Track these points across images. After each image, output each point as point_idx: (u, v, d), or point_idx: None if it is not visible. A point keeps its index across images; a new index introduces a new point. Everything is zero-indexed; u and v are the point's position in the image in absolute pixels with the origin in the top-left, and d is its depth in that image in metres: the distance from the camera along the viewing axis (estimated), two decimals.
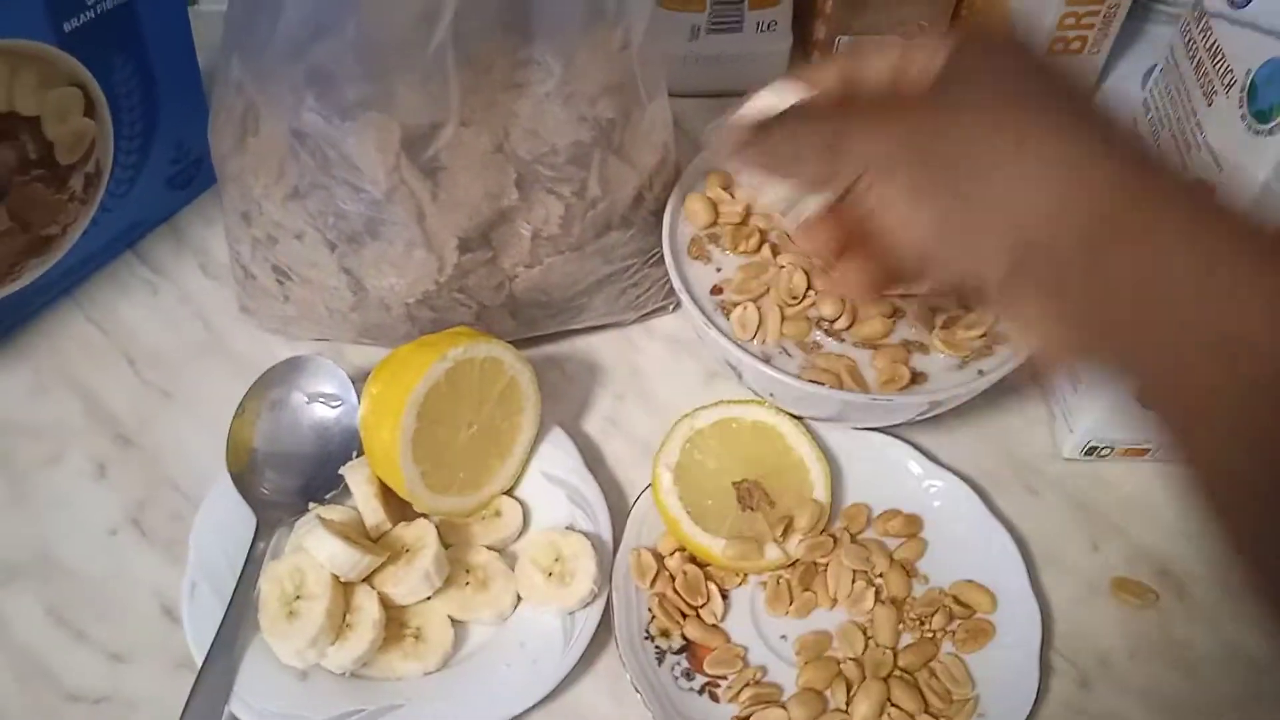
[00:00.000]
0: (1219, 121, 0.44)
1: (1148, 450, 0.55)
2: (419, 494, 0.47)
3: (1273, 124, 0.40)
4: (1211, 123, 0.44)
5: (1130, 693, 0.49)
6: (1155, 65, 0.53)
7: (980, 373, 0.50)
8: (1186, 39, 0.47)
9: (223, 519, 0.49)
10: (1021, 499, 0.54)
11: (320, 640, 0.45)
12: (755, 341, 0.51)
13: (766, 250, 0.53)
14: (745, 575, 0.50)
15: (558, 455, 0.52)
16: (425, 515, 0.49)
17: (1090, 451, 0.55)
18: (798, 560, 0.50)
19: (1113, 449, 0.55)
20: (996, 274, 0.34)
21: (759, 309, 0.51)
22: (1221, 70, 0.44)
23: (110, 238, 0.58)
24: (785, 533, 0.50)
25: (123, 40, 0.53)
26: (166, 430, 0.55)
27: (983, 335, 0.51)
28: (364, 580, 0.47)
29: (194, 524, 0.49)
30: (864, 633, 0.49)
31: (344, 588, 0.46)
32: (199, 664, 0.45)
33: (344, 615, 0.46)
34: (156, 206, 0.61)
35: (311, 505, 0.49)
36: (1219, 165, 0.43)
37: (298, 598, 0.45)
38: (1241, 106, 0.42)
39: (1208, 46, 0.45)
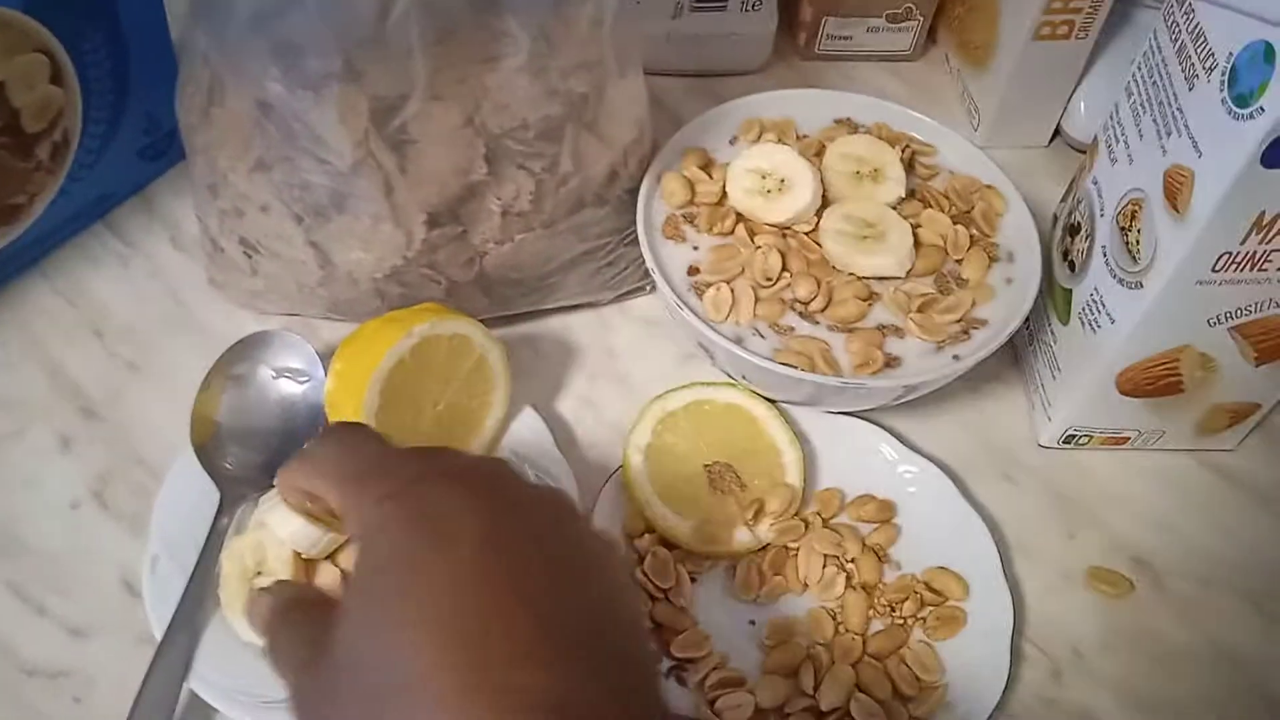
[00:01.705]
0: (1200, 106, 0.43)
1: (1127, 439, 0.54)
2: None
3: (1252, 108, 0.40)
4: (1192, 107, 0.44)
5: (1102, 683, 0.49)
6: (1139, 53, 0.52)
7: (956, 358, 0.49)
8: (1169, 22, 0.46)
9: (186, 493, 0.48)
10: (997, 486, 0.54)
11: None
12: (728, 323, 0.50)
13: (742, 230, 0.52)
14: (715, 559, 0.49)
15: (528, 435, 0.51)
16: None
17: (1069, 440, 0.55)
18: (768, 544, 0.49)
19: (1091, 438, 0.54)
20: None
21: (732, 290, 0.50)
22: (1203, 54, 0.43)
23: (79, 208, 0.58)
24: (756, 516, 0.49)
25: (93, 8, 0.52)
26: (133, 404, 0.54)
27: (959, 320, 0.50)
28: (327, 557, 0.46)
29: (157, 498, 0.48)
30: (834, 618, 0.48)
31: (306, 565, 0.45)
32: (159, 639, 0.44)
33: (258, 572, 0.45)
34: (127, 178, 0.60)
35: (275, 480, 0.49)
36: (1199, 150, 0.43)
37: (259, 574, 0.44)
38: (1222, 90, 0.41)
39: (1190, 29, 0.44)
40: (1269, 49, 0.39)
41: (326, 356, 0.51)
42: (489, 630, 0.28)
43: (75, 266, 0.58)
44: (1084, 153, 0.54)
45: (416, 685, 0.28)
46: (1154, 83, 0.47)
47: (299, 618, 0.34)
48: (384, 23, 0.41)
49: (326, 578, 0.45)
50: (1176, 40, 0.45)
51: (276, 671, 0.33)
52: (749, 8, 0.66)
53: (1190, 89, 0.44)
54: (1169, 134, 0.45)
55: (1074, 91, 0.66)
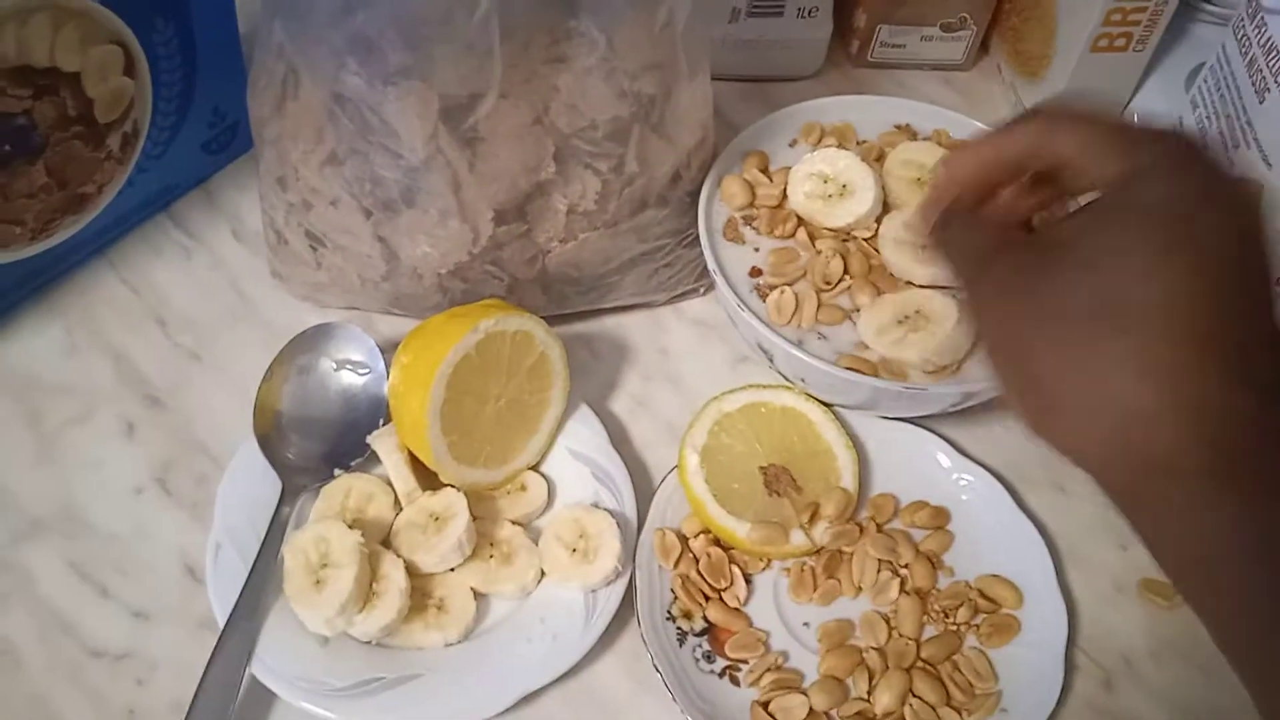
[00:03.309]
0: (1270, 118, 0.43)
1: None
2: (446, 464, 0.47)
3: None
4: (1262, 120, 0.44)
5: (1154, 694, 0.49)
6: (1201, 64, 0.52)
7: None
8: (1239, 35, 0.46)
9: (248, 482, 0.49)
10: (1050, 496, 0.54)
11: (349, 608, 0.45)
12: (789, 326, 0.50)
13: (803, 234, 0.53)
14: (769, 560, 0.50)
15: (584, 433, 0.52)
16: (453, 485, 0.49)
17: None
18: (823, 547, 0.50)
19: None
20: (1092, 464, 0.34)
21: (795, 294, 0.50)
22: (1275, 67, 0.43)
23: (144, 199, 0.58)
24: (811, 519, 0.49)
25: (165, 1, 0.52)
26: (195, 393, 0.55)
27: None
28: (390, 549, 0.47)
29: (220, 486, 0.49)
30: (887, 623, 0.48)
31: (370, 556, 0.46)
32: (221, 625, 0.45)
33: (370, 583, 0.46)
34: (191, 170, 0.61)
35: (337, 471, 0.49)
36: (1269, 163, 0.43)
37: (324, 566, 0.45)
38: None
39: (1261, 43, 0.44)
40: None
41: (385, 350, 0.52)
42: (1246, 309, 0.31)
43: (140, 256, 0.59)
44: None
45: (1164, 313, 0.30)
46: (1222, 95, 0.47)
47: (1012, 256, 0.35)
48: (466, 21, 0.42)
49: (391, 569, 0.46)
50: (1247, 53, 0.45)
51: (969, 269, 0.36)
52: (805, 14, 0.67)
53: (1261, 101, 0.44)
54: (1237, 146, 0.45)
55: (1129, 103, 0.66)
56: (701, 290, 0.59)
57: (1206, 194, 0.32)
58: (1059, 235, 0.34)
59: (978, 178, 0.39)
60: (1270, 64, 0.43)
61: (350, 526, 0.47)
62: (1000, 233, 0.37)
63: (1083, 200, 0.36)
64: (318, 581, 0.45)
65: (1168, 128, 0.35)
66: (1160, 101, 0.65)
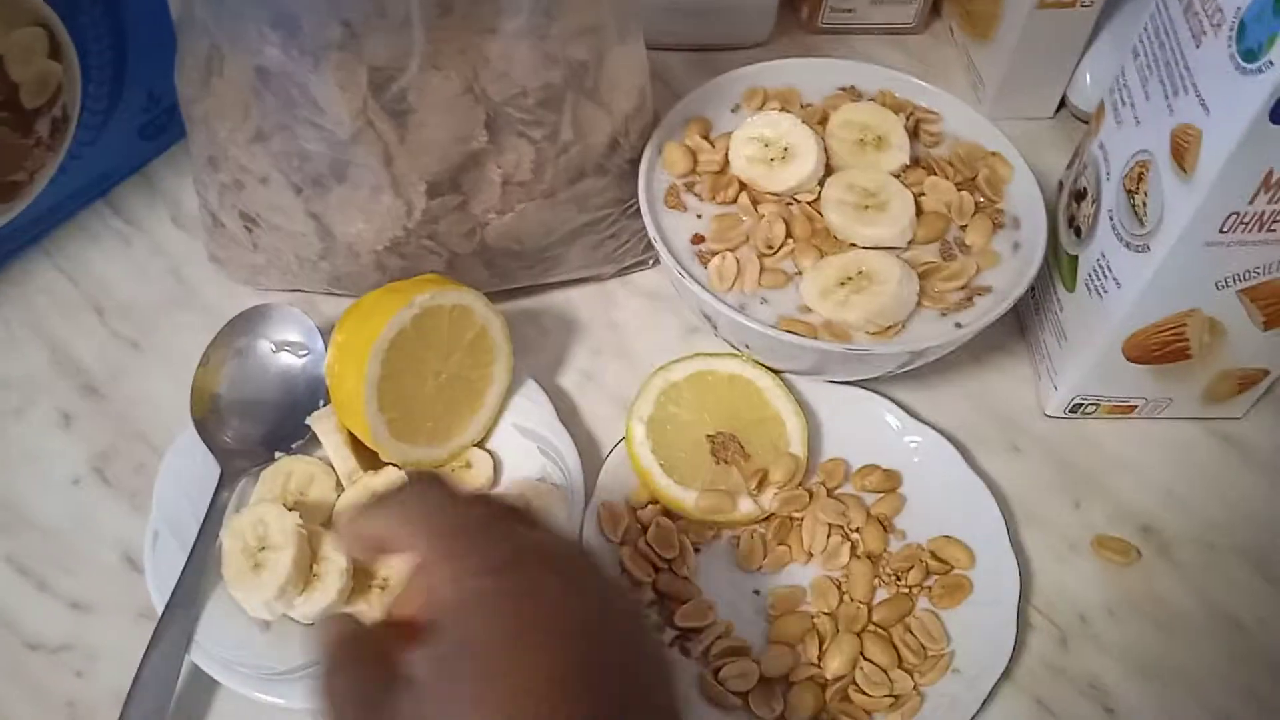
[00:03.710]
0: (1207, 63, 0.42)
1: (1133, 408, 0.54)
2: (385, 442, 0.47)
3: (1260, 62, 0.39)
4: (1199, 65, 0.43)
5: (1109, 651, 0.48)
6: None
7: (958, 325, 0.49)
8: None
9: (187, 468, 0.48)
10: (1003, 456, 0.53)
11: (288, 591, 0.44)
12: (732, 292, 0.49)
13: (745, 199, 0.52)
14: (719, 529, 0.49)
15: (530, 408, 0.51)
16: (395, 464, 0.48)
17: (1075, 409, 0.54)
18: (772, 514, 0.49)
19: (1098, 406, 0.54)
20: None
21: (737, 259, 0.50)
22: (1210, 9, 0.42)
23: (80, 186, 0.57)
24: (760, 486, 0.49)
25: None
26: (134, 381, 0.54)
27: (963, 287, 0.50)
28: (331, 529, 0.46)
29: (158, 473, 0.48)
30: (838, 588, 0.48)
31: (311, 537, 0.45)
32: (160, 613, 0.44)
33: (310, 565, 0.45)
34: (128, 155, 0.60)
35: (277, 454, 0.48)
36: (1206, 109, 0.42)
37: (262, 549, 0.44)
38: (1230, 46, 0.41)
39: None
40: (1278, 1, 0.38)
41: (327, 332, 0.51)
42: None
43: (77, 244, 0.58)
44: (1089, 124, 0.54)
45: None
46: (1161, 42, 0.46)
47: (360, 672, 0.31)
48: None
49: (331, 549, 0.45)
50: None
51: (327, 714, 0.31)
52: None
53: (1198, 46, 0.43)
54: (1176, 93, 0.44)
55: (1079, 61, 0.65)
56: (650, 262, 0.58)
57: (516, 620, 0.30)
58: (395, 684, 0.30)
59: (361, 552, 0.38)
60: (1206, 7, 0.42)
61: (291, 509, 0.46)
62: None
63: None
64: (256, 565, 0.44)
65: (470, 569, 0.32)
66: (1111, 58, 0.64)
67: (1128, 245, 0.47)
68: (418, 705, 0.29)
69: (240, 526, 0.45)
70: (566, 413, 0.53)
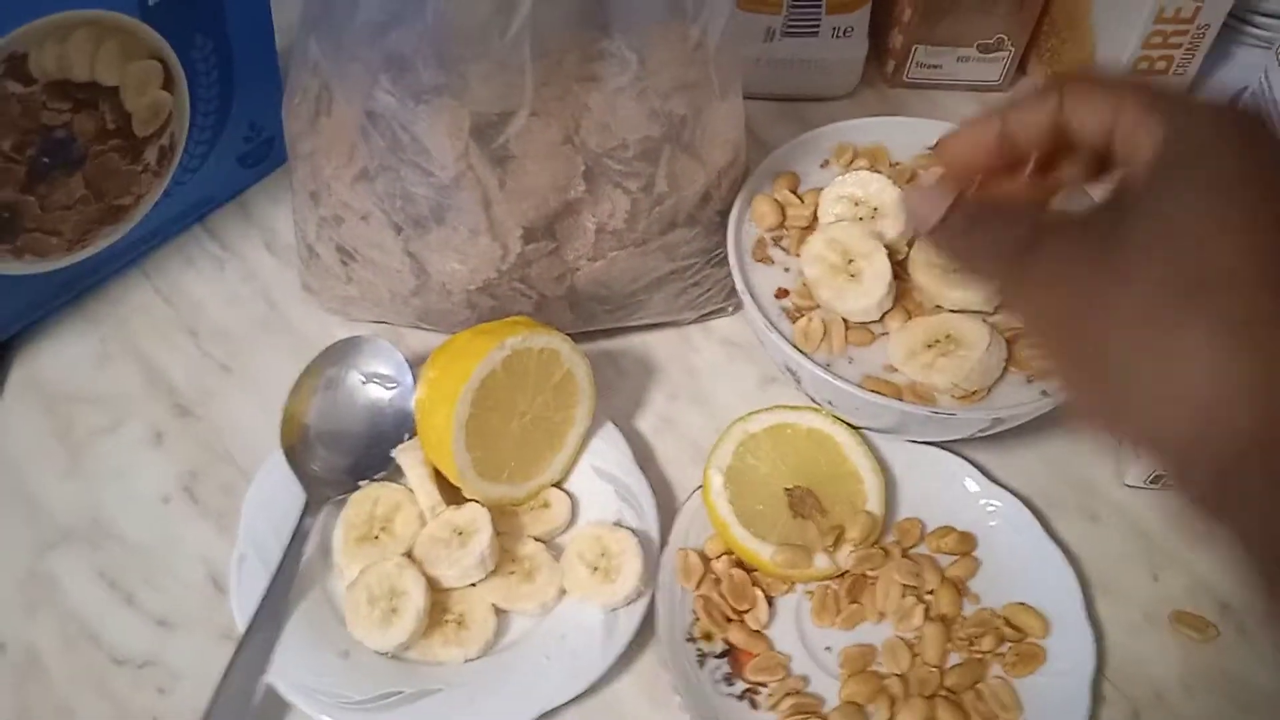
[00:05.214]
0: None
1: None
2: (470, 480, 0.47)
3: None
4: None
5: None
6: (1245, 89, 0.51)
7: (1044, 393, 0.49)
8: None
9: (274, 493, 0.49)
10: (1081, 524, 0.53)
11: (417, 635, 0.46)
12: (818, 350, 0.50)
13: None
14: (792, 583, 0.49)
15: (609, 450, 0.52)
16: (476, 500, 0.49)
17: (1155, 479, 0.54)
18: (847, 571, 0.49)
19: None
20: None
21: (824, 323, 0.50)
22: None
23: (180, 211, 0.59)
24: (836, 543, 0.49)
25: (204, 17, 0.53)
26: (224, 404, 0.55)
27: None
28: (411, 562, 0.47)
29: (245, 497, 0.49)
30: (910, 649, 0.48)
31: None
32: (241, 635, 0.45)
33: (390, 597, 0.46)
34: (227, 183, 0.61)
35: (361, 484, 0.49)
36: None
37: (392, 599, 0.46)
38: None
39: None
40: None
41: (413, 365, 0.52)
42: None
43: (174, 267, 0.60)
44: None
45: (1257, 279, 0.27)
46: None
47: (1057, 243, 0.32)
48: (499, 39, 0.42)
49: (411, 585, 0.46)
50: None
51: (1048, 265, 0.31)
52: (840, 34, 0.66)
53: None
54: None
55: None
56: (730, 310, 0.59)
57: (1261, 139, 0.29)
58: (1113, 210, 0.31)
59: (981, 162, 0.35)
60: None
61: (376, 537, 0.47)
62: (1033, 219, 0.33)
63: (1104, 185, 0.34)
64: (386, 614, 0.46)
65: (1210, 97, 0.32)
66: None
67: None
68: (1168, 218, 0.29)
69: (367, 580, 0.46)
70: (643, 457, 0.53)
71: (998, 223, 0.34)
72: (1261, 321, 0.27)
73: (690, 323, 0.59)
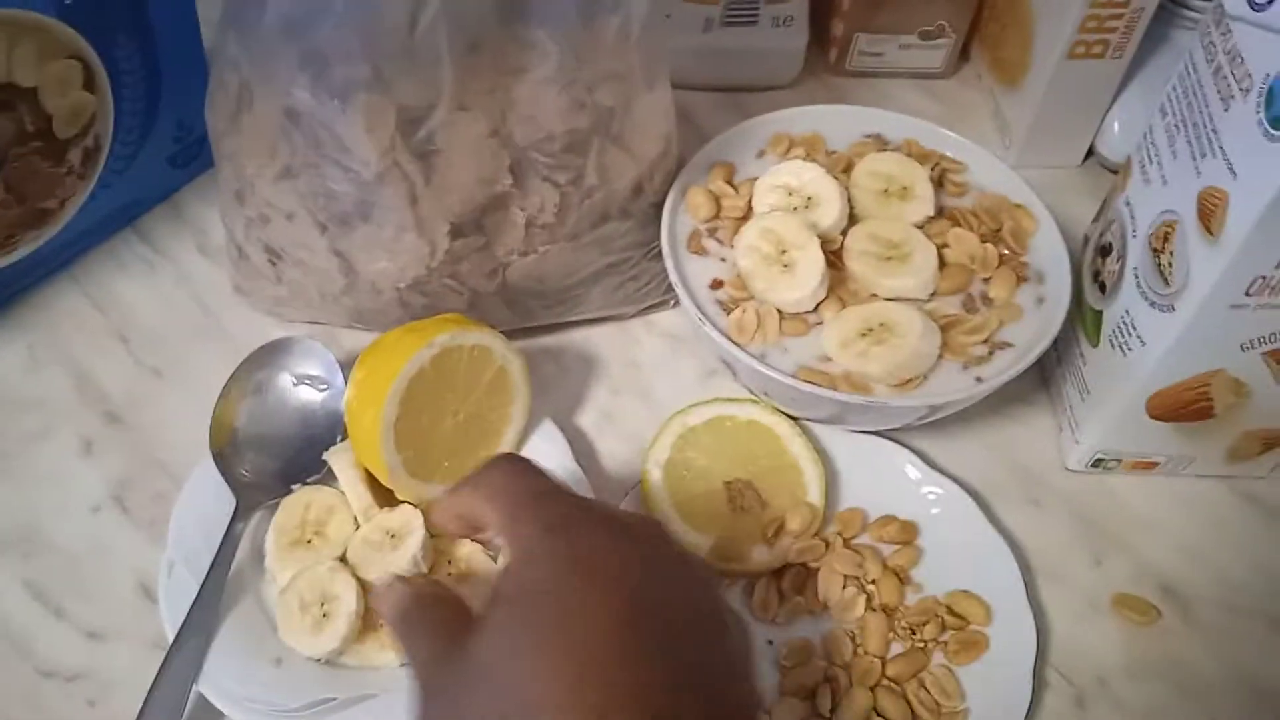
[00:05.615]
0: (1235, 128, 0.42)
1: (1156, 465, 0.53)
2: (401, 480, 0.47)
3: None
4: (1228, 129, 0.43)
5: (1128, 713, 0.48)
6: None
7: (979, 379, 0.48)
8: (1205, 42, 0.45)
9: (205, 500, 0.48)
10: (1023, 510, 0.53)
11: (350, 640, 0.45)
12: (753, 341, 0.49)
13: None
14: (733, 577, 0.49)
15: (548, 448, 0.51)
16: (409, 501, 0.48)
17: (1097, 464, 0.54)
18: (788, 563, 0.49)
19: (1120, 462, 0.53)
20: None
21: (758, 313, 0.50)
22: (1240, 75, 0.42)
23: (109, 214, 0.58)
24: (776, 535, 0.49)
25: (125, 15, 0.52)
26: (156, 410, 0.54)
27: (985, 341, 0.50)
28: (344, 566, 0.46)
29: (175, 504, 0.49)
30: (853, 640, 0.47)
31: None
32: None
33: (321, 603, 0.45)
34: (157, 184, 0.60)
35: (293, 487, 0.49)
36: (1233, 173, 0.42)
37: (322, 604, 0.45)
38: (1259, 112, 0.41)
39: (1226, 50, 0.43)
40: None
41: (348, 365, 0.51)
42: (628, 681, 0.30)
43: (104, 271, 0.59)
44: (1116, 173, 0.53)
45: (549, 710, 0.30)
46: (1189, 103, 0.46)
47: (436, 616, 0.35)
48: (412, 33, 0.41)
49: (343, 589, 0.45)
50: (1213, 61, 0.44)
51: (408, 659, 0.35)
52: (780, 23, 0.66)
53: (1226, 110, 0.43)
54: (1204, 155, 0.44)
55: (1108, 111, 0.65)
56: (671, 303, 0.58)
57: (576, 569, 0.33)
58: (475, 628, 0.33)
59: (458, 530, 0.39)
60: (1235, 72, 0.42)
61: (309, 542, 0.47)
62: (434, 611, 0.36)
63: None
64: (317, 619, 0.45)
65: (549, 499, 0.36)
66: (1138, 109, 0.64)
67: (1153, 304, 0.47)
68: (491, 647, 0.32)
69: (299, 586, 0.45)
70: (584, 453, 0.53)
71: (397, 588, 0.37)
72: None
73: (631, 317, 0.58)
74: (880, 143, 0.57)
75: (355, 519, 0.48)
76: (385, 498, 0.48)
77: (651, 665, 0.31)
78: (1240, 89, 0.42)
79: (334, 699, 0.44)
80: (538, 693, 0.30)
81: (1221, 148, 0.43)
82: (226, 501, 0.48)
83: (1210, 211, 0.43)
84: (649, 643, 0.32)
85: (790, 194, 0.52)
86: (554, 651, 0.31)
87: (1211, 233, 0.43)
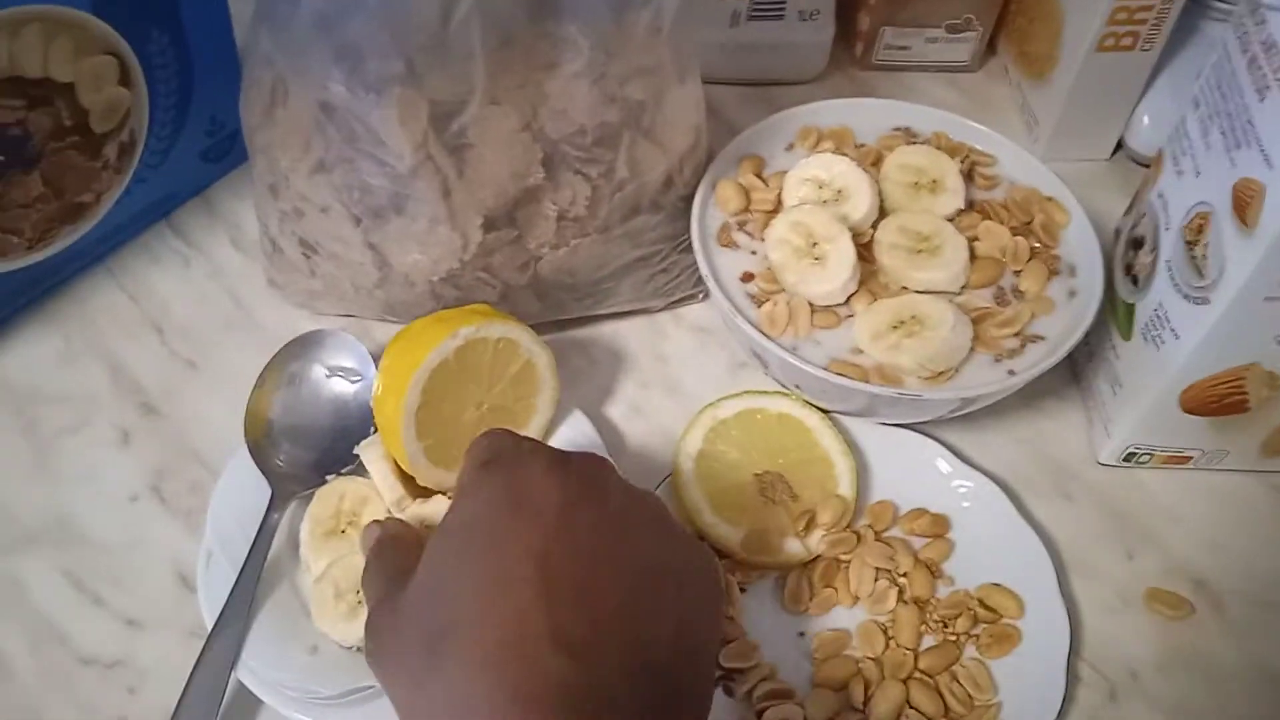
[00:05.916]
0: (1271, 117, 0.42)
1: (1189, 459, 0.53)
2: (422, 468, 0.47)
3: None
4: (1264, 118, 0.43)
5: (1159, 706, 0.47)
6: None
7: (1011, 372, 0.48)
8: (1240, 32, 0.45)
9: (241, 490, 0.49)
10: (1054, 503, 0.53)
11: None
12: (784, 333, 0.49)
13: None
14: (764, 569, 0.49)
15: (577, 438, 0.51)
16: (443, 493, 0.48)
17: (1129, 458, 0.53)
18: (819, 556, 0.49)
19: (1152, 456, 0.53)
20: None
21: (789, 305, 0.50)
22: (1275, 65, 0.42)
23: (143, 208, 0.59)
24: (807, 527, 0.49)
25: (158, 11, 0.53)
26: (191, 401, 0.55)
27: (1017, 334, 0.49)
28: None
29: (212, 494, 0.49)
30: (885, 632, 0.47)
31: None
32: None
33: (356, 591, 0.45)
34: (190, 178, 0.61)
35: (328, 478, 0.49)
36: (1269, 163, 0.42)
37: (358, 592, 0.45)
38: None
39: (1261, 39, 0.43)
40: None
41: (378, 357, 0.51)
42: (543, 605, 0.32)
43: (139, 265, 0.59)
44: (1147, 166, 0.53)
45: (466, 626, 0.33)
46: (1223, 94, 0.46)
47: (392, 553, 0.39)
48: (445, 27, 0.41)
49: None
50: (1247, 51, 0.44)
51: (366, 599, 0.39)
52: (807, 17, 0.66)
53: (1261, 100, 0.43)
54: (1238, 146, 0.44)
55: (1137, 104, 0.65)
56: (700, 296, 0.58)
57: (508, 501, 0.35)
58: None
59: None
60: (1270, 61, 0.42)
61: (343, 531, 0.47)
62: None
63: None
64: (352, 607, 0.45)
65: (500, 444, 0.39)
66: (1168, 102, 0.64)
67: (1186, 296, 0.47)
68: (422, 577, 0.35)
69: (334, 575, 0.46)
70: (614, 445, 0.53)
71: (371, 529, 0.42)
72: (487, 654, 0.32)
73: (660, 310, 0.59)
74: (909, 136, 0.57)
75: (388, 510, 0.49)
76: (418, 489, 0.49)
77: (571, 596, 0.33)
78: (1275, 79, 0.42)
79: (370, 687, 0.44)
80: (459, 610, 0.33)
81: (1257, 138, 0.43)
82: (262, 491, 0.49)
83: (1246, 203, 0.43)
84: (581, 574, 0.34)
85: (821, 187, 0.52)
86: (477, 574, 0.34)
87: (1247, 224, 0.43)
